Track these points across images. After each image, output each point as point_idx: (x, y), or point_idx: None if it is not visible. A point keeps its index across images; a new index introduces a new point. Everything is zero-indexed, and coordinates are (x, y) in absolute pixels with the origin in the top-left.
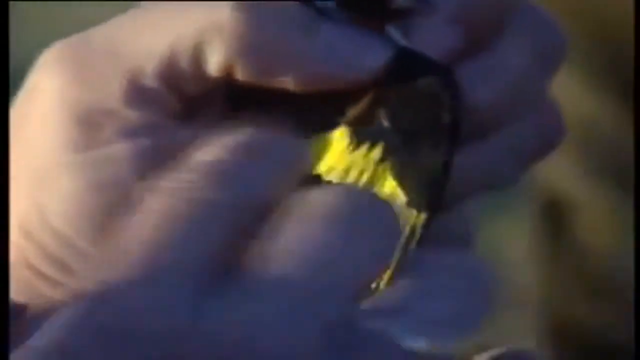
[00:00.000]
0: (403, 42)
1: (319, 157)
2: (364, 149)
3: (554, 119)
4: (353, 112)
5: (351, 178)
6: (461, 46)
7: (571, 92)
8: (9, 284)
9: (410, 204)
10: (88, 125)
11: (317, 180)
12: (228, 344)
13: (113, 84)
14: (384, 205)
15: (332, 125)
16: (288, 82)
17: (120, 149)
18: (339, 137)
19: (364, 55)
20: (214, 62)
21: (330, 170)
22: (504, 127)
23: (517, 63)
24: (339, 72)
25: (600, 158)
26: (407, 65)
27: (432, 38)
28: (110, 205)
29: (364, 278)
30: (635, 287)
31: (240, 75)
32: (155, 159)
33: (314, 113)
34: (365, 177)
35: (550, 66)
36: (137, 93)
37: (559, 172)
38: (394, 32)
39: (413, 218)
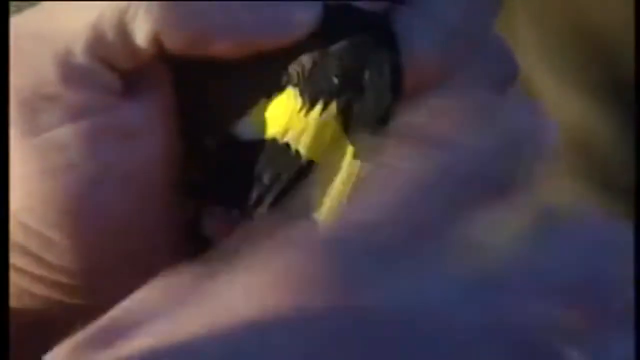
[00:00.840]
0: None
1: (273, 120)
2: (317, 109)
3: (504, 55)
4: (296, 70)
5: (306, 139)
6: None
7: (569, 110)
8: (9, 284)
9: (356, 155)
10: (30, 112)
11: (274, 143)
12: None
13: (46, 67)
14: None
15: (279, 88)
16: (219, 49)
17: (66, 133)
18: (289, 98)
19: (291, 12)
20: (141, 33)
21: (285, 132)
22: (455, 73)
23: (453, 5)
24: (268, 32)
25: (596, 172)
26: (341, 20)
27: None
28: (68, 189)
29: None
30: (635, 287)
31: (169, 44)
32: (105, 136)
33: (259, 77)
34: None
35: (490, 5)
36: (71, 73)
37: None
38: None
39: (357, 169)
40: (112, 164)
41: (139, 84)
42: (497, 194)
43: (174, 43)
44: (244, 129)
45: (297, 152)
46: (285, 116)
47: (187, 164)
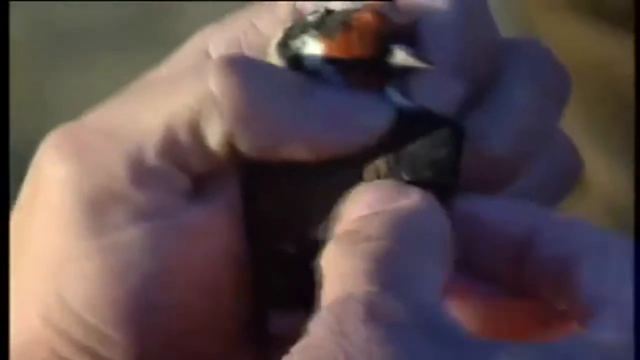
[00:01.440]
0: (404, 101)
1: None
2: None
3: (569, 153)
4: (373, 175)
5: None
6: (465, 96)
7: None
8: (9, 285)
9: None
10: (97, 212)
11: None
12: None
13: (116, 166)
14: None
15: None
16: (291, 153)
17: (132, 233)
18: None
19: (363, 117)
20: (213, 135)
21: None
22: (523, 170)
23: (524, 103)
24: (341, 135)
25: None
26: (412, 124)
27: (434, 93)
28: (132, 290)
29: None
30: (635, 285)
31: (242, 147)
32: (170, 238)
33: (336, 181)
34: None
35: (556, 99)
36: (142, 173)
37: None
38: (393, 92)
39: None
40: (177, 266)
41: (208, 186)
42: None
43: (246, 146)
44: (324, 233)
45: None
46: None
47: (263, 266)
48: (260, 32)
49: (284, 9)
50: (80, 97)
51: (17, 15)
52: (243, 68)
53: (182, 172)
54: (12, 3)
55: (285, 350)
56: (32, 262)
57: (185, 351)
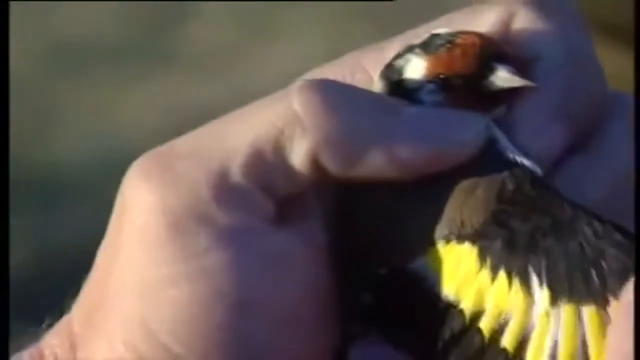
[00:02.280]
0: (500, 134)
1: (452, 274)
2: (504, 281)
3: None
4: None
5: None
6: (566, 141)
7: None
8: (9, 285)
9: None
10: (182, 234)
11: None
12: None
13: (201, 185)
14: None
15: (459, 237)
16: (378, 168)
17: (216, 259)
18: (468, 253)
19: (455, 130)
20: (298, 154)
21: (460, 290)
22: (624, 214)
23: (622, 157)
24: (427, 148)
25: None
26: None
27: (536, 132)
28: (216, 318)
29: None
30: (635, 286)
31: (329, 166)
32: (254, 265)
33: (421, 201)
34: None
35: None
36: (226, 192)
37: None
38: (491, 123)
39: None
40: (259, 293)
41: (291, 212)
42: None
43: (331, 164)
44: (421, 269)
45: (480, 332)
46: (465, 274)
47: (352, 293)
48: (366, 70)
49: (392, 49)
50: (79, 106)
51: (18, 25)
52: (326, 87)
53: (266, 195)
54: (12, 13)
55: None
56: (118, 287)
57: None
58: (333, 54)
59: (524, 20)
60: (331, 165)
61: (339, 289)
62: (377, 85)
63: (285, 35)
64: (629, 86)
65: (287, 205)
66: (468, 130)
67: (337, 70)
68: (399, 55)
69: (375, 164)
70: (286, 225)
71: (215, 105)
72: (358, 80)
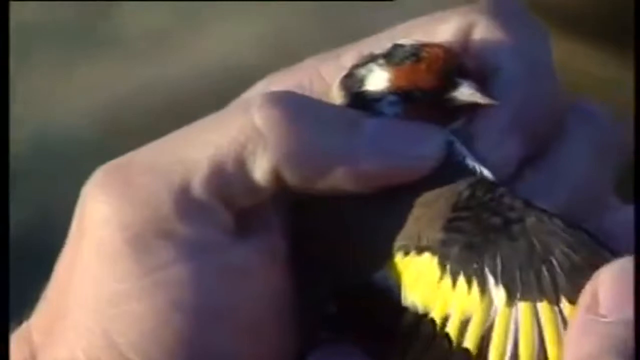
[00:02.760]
0: (460, 146)
1: (415, 284)
2: (464, 287)
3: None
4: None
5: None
6: (522, 153)
7: None
8: (9, 284)
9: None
10: (144, 248)
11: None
12: None
13: (162, 200)
14: None
15: (418, 248)
16: (340, 181)
17: (178, 272)
18: (429, 263)
19: (416, 144)
20: (259, 168)
21: (427, 299)
22: None
23: (579, 169)
24: (388, 164)
25: None
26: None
27: (493, 144)
28: (178, 330)
29: None
30: (635, 286)
31: (290, 180)
32: (216, 277)
33: (380, 216)
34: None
35: (610, 164)
36: (188, 207)
37: None
38: (452, 136)
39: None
40: (219, 305)
41: (251, 224)
42: None
43: (292, 178)
44: (382, 280)
45: (448, 336)
46: (426, 286)
47: (309, 305)
48: (324, 78)
49: (350, 57)
50: (14, 91)
51: None
52: (287, 101)
53: (227, 208)
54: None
55: None
56: (78, 299)
57: None
58: (267, 38)
59: (483, 31)
60: (292, 180)
61: (300, 297)
62: (336, 94)
63: (221, 19)
64: (593, 81)
65: (246, 215)
66: (429, 144)
67: (295, 78)
68: (360, 65)
69: (337, 179)
70: (246, 235)
71: (150, 91)
72: (316, 88)
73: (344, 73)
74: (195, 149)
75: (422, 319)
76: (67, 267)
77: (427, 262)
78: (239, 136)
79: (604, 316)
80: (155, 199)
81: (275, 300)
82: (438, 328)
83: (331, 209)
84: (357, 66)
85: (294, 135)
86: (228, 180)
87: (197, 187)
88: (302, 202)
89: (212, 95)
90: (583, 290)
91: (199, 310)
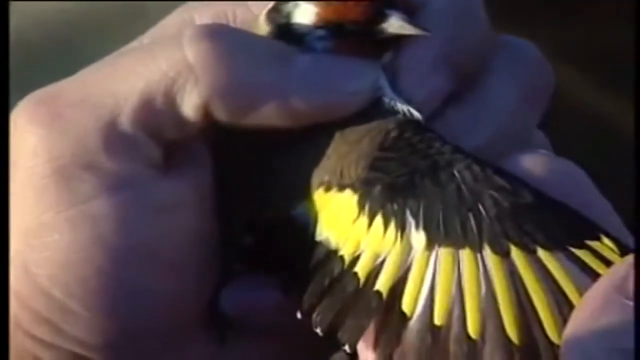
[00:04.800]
0: (386, 83)
1: (331, 220)
2: (380, 229)
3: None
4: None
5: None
6: (448, 88)
7: None
8: (9, 284)
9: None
10: (67, 182)
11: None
12: None
13: (89, 133)
14: None
15: (340, 185)
16: (270, 117)
17: (101, 205)
18: (349, 200)
19: (348, 80)
20: (189, 102)
21: (340, 236)
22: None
23: (504, 105)
24: (320, 99)
25: None
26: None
27: (419, 83)
28: (97, 264)
29: None
30: (635, 286)
31: (218, 115)
32: (139, 211)
33: (303, 152)
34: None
35: (537, 105)
36: (114, 140)
37: None
38: (381, 72)
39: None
40: (143, 240)
41: (178, 159)
42: None
43: (222, 113)
44: (301, 215)
45: (355, 275)
46: (345, 225)
47: (230, 240)
48: (249, 9)
49: None
50: None
51: None
52: (219, 35)
53: (155, 142)
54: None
55: (239, 331)
56: (12, 230)
57: (142, 330)
58: None
59: None
60: (222, 115)
61: (221, 231)
62: (262, 28)
63: None
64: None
65: (175, 150)
66: (361, 80)
67: (218, 6)
68: None
69: (267, 114)
70: (174, 170)
71: None
72: (240, 17)
73: (269, 6)
74: (125, 83)
75: (331, 256)
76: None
77: (347, 200)
78: (170, 70)
79: (630, 299)
80: (83, 132)
81: (198, 235)
82: (346, 266)
83: (256, 144)
84: (281, 1)
85: (226, 70)
86: (157, 114)
87: (125, 120)
88: (227, 136)
89: None
90: (614, 267)
91: (121, 246)
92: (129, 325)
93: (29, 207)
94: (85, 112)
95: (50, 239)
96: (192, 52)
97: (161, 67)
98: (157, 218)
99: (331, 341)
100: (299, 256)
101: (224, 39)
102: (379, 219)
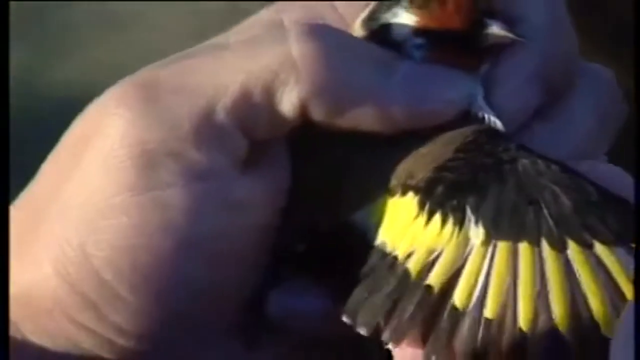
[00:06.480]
0: (479, 94)
1: (390, 222)
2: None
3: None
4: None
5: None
6: (539, 102)
7: None
8: (9, 283)
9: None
10: (148, 166)
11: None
12: None
13: (183, 121)
14: None
15: (403, 188)
16: (366, 120)
17: (176, 194)
18: (410, 202)
19: (446, 90)
20: (288, 101)
21: (396, 238)
22: None
23: (584, 127)
24: (417, 106)
25: None
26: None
27: (514, 91)
28: (159, 252)
29: None
30: (635, 287)
31: (315, 114)
32: (211, 205)
33: (384, 169)
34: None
35: (611, 131)
36: (207, 131)
37: None
38: (478, 84)
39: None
40: (207, 235)
41: (262, 158)
42: None
43: (320, 112)
44: (362, 220)
45: (406, 271)
46: (403, 227)
47: (296, 237)
48: (340, 14)
49: None
50: None
51: None
52: (326, 35)
53: (245, 137)
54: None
55: (275, 336)
56: (64, 205)
57: (187, 318)
58: None
59: None
60: (319, 114)
61: (276, 233)
62: (358, 33)
63: None
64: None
65: (261, 148)
66: (457, 90)
67: (310, 10)
68: (382, 8)
69: (363, 116)
70: (254, 168)
71: None
72: (329, 19)
73: (364, 14)
74: (227, 73)
75: (384, 257)
76: (60, 171)
77: (408, 202)
78: (272, 65)
79: None
80: (176, 119)
81: (262, 234)
82: (398, 263)
83: (329, 148)
84: (378, 10)
85: (329, 70)
86: (254, 108)
87: (222, 111)
88: (300, 139)
89: None
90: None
91: (185, 236)
92: (171, 316)
93: (99, 186)
94: (181, 100)
95: (116, 222)
96: (297, 49)
97: (264, 62)
98: (227, 214)
99: (373, 342)
100: (352, 263)
101: (330, 38)
102: (437, 216)
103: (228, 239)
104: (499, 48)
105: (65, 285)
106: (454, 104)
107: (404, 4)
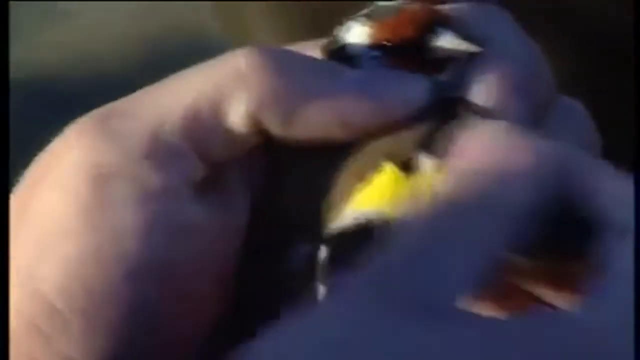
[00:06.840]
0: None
1: (376, 199)
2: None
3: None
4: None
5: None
6: (526, 117)
7: None
8: (9, 283)
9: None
10: (103, 190)
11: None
12: None
13: (132, 141)
14: None
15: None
16: (324, 127)
17: (127, 219)
18: (389, 175)
19: (399, 87)
20: (237, 114)
21: (391, 205)
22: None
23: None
24: (372, 102)
25: None
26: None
27: (501, 106)
28: (111, 279)
29: None
30: (635, 286)
31: (269, 124)
32: (164, 230)
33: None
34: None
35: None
36: (158, 149)
37: None
38: (437, 81)
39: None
40: (162, 261)
41: (220, 184)
42: None
43: (272, 120)
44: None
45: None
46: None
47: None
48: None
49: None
50: None
51: None
52: (274, 51)
53: (199, 157)
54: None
55: None
56: (22, 239)
57: (143, 350)
58: None
59: (465, 8)
60: (272, 123)
61: (253, 258)
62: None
63: None
64: None
65: (219, 172)
66: (411, 88)
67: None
68: (340, 28)
69: (317, 121)
70: (211, 193)
71: None
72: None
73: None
74: (174, 94)
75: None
76: (17, 209)
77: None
78: (220, 81)
79: None
80: (129, 142)
81: (221, 264)
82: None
83: (304, 165)
84: (337, 30)
85: (277, 78)
86: (204, 126)
87: (171, 132)
88: (279, 159)
89: None
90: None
91: (138, 262)
92: (129, 343)
93: (54, 212)
94: (130, 123)
95: (65, 246)
96: (245, 63)
97: (212, 79)
98: (181, 240)
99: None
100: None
101: (278, 52)
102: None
103: (183, 268)
104: (465, 60)
105: (20, 319)
106: (408, 102)
107: (360, 18)
